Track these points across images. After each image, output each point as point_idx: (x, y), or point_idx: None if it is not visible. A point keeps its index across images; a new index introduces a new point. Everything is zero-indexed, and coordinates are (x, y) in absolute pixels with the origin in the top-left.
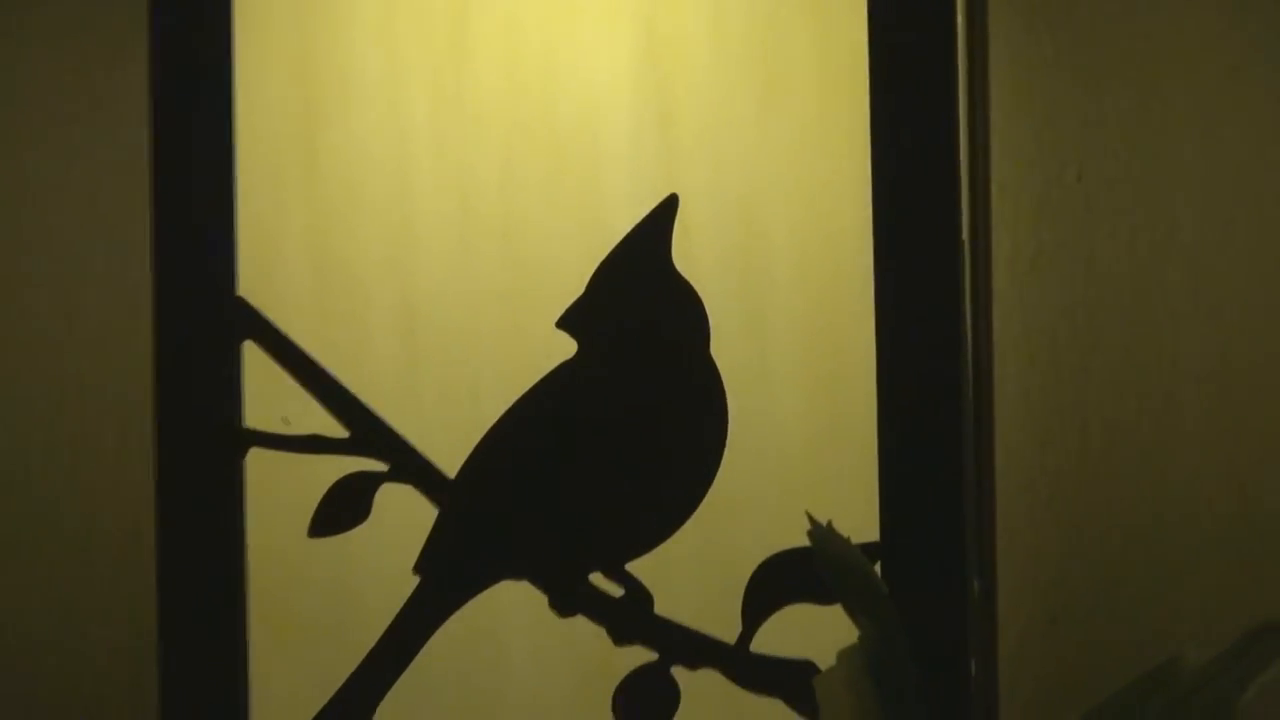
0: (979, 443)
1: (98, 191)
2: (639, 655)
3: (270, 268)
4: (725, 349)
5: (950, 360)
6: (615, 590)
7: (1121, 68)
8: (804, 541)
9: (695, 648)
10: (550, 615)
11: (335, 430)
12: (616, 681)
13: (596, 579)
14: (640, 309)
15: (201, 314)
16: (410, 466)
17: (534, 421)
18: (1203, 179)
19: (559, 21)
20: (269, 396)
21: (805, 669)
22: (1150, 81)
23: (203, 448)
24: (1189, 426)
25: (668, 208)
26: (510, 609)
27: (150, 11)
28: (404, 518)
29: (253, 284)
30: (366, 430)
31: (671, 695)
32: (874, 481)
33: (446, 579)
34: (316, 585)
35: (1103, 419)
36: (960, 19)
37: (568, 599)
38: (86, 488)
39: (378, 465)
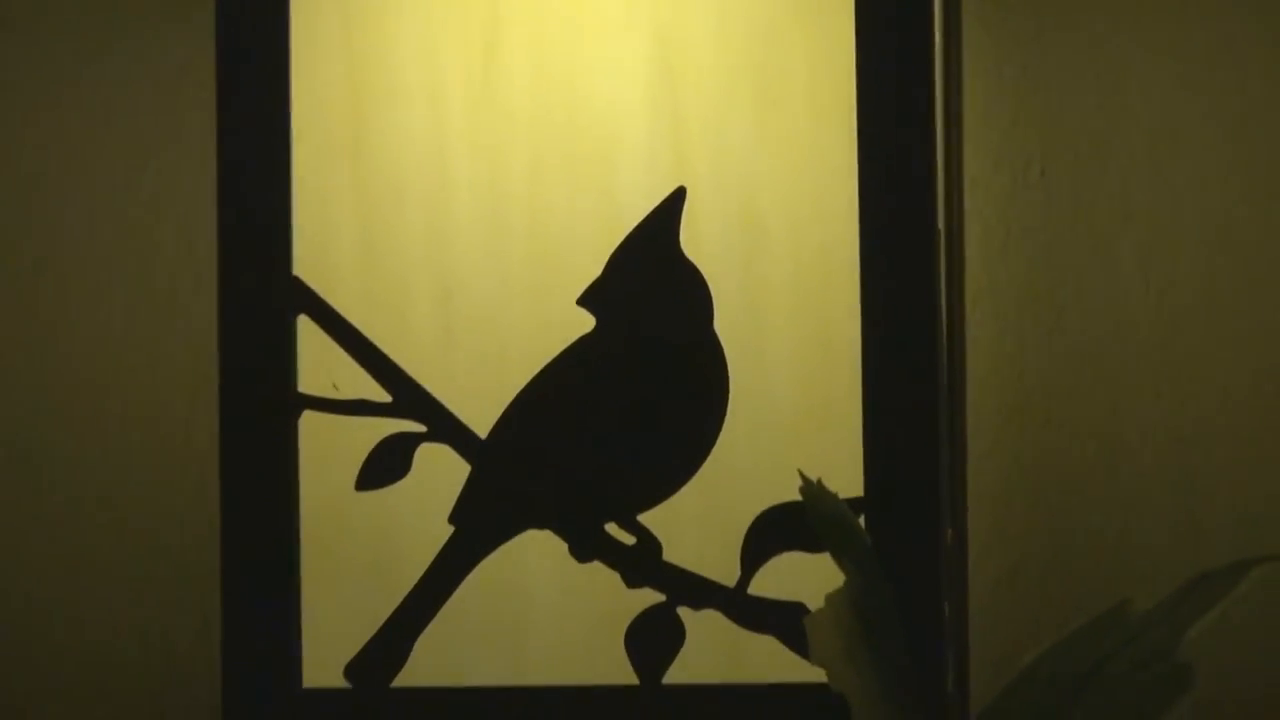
0: (952, 409)
1: (169, 185)
2: (649, 597)
3: (322, 251)
4: (727, 325)
5: (926, 334)
6: (628, 539)
7: (1079, 79)
8: (796, 497)
9: (699, 590)
10: (570, 561)
11: (379, 395)
12: (629, 620)
13: (611, 529)
14: (651, 289)
15: (260, 292)
16: (446, 428)
17: (556, 388)
18: (1150, 174)
19: (580, 32)
20: (320, 365)
21: (797, 610)
22: (1104, 91)
23: (261, 411)
24: (1138, 395)
25: (676, 199)
26: (534, 555)
27: (216, 20)
28: (440, 474)
29: (306, 265)
30: (407, 395)
31: (677, 633)
32: (859, 443)
33: (478, 528)
34: (362, 533)
35: (1062, 388)
36: (938, 36)
37: (585, 546)
38: (158, 446)
39: (417, 427)
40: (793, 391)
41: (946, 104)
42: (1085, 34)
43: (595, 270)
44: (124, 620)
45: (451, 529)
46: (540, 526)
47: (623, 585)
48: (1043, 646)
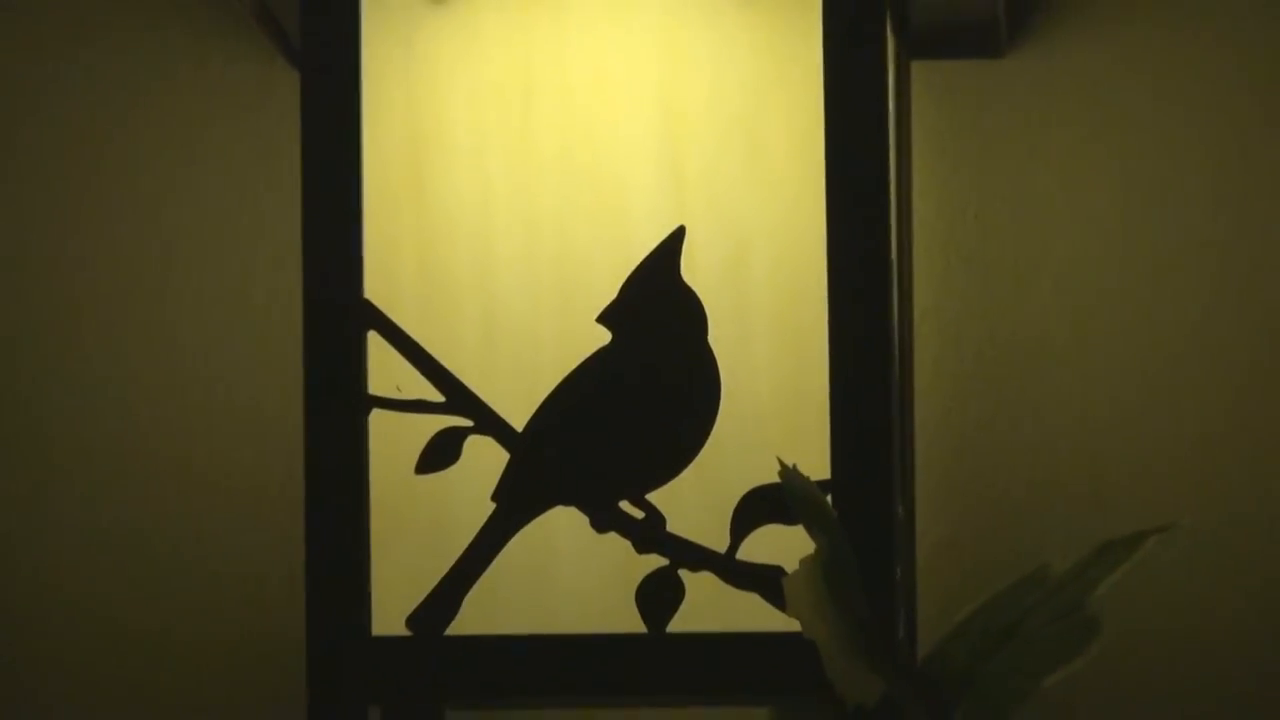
0: (903, 407)
1: (266, 226)
2: (655, 561)
3: (387, 279)
4: (718, 339)
5: (882, 346)
6: (638, 513)
7: (1006, 141)
8: (776, 479)
9: (696, 556)
10: (590, 531)
11: (434, 396)
12: (638, 579)
13: (624, 505)
14: (657, 309)
15: (337, 313)
16: (489, 423)
17: (579, 391)
18: (1065, 217)
19: (598, 97)
20: (386, 372)
21: (776, 572)
22: (1026, 149)
23: (338, 409)
24: (1055, 397)
25: (677, 236)
26: (561, 527)
27: (301, 94)
28: (484, 460)
29: (374, 291)
30: (457, 396)
31: (678, 590)
32: (826, 436)
33: (515, 505)
34: (420, 509)
35: (994, 389)
36: (892, 104)
37: (603, 520)
38: (257, 436)
39: (465, 422)
40: (772, 394)
41: (899, 159)
42: (1010, 103)
43: (611, 294)
44: (228, 576)
45: (493, 505)
46: (566, 503)
47: (633, 551)
48: (976, 602)
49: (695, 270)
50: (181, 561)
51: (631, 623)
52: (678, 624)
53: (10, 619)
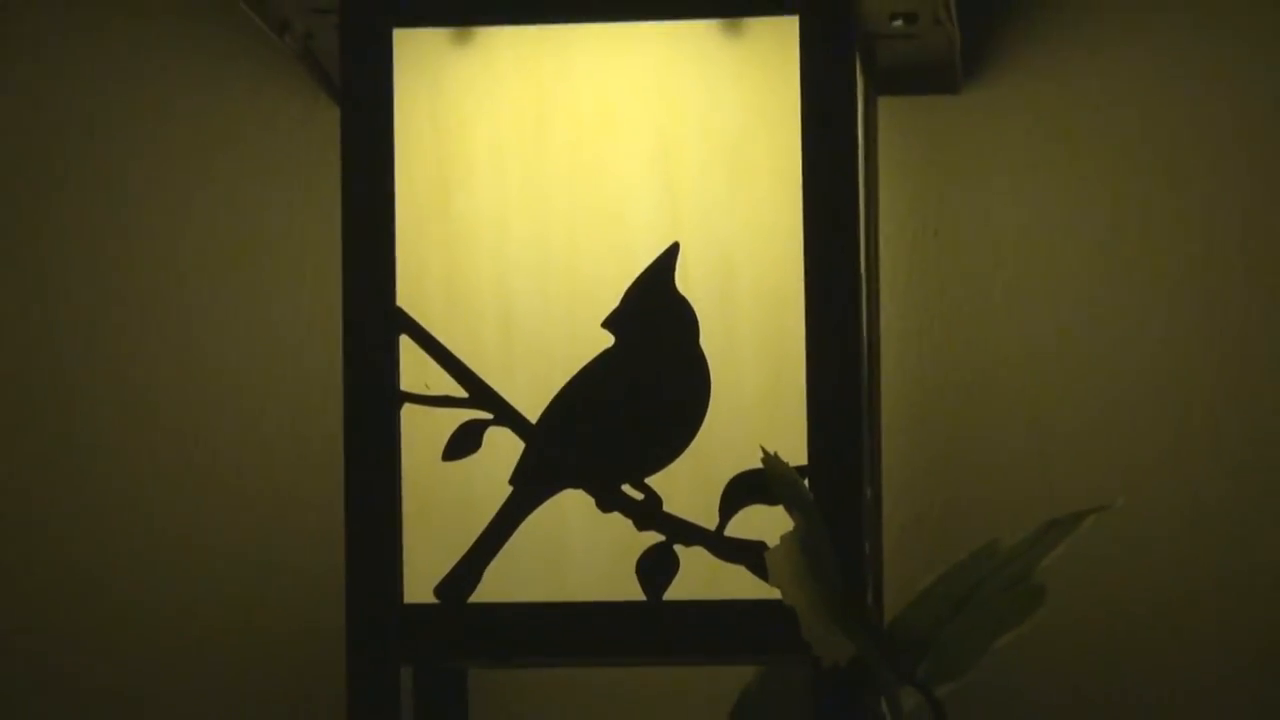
0: (871, 401)
1: (309, 240)
2: (653, 537)
3: (417, 289)
4: (707, 341)
5: (853, 348)
6: (638, 495)
7: (963, 163)
8: (759, 465)
9: (689, 532)
10: (596, 511)
11: (458, 392)
12: (638, 553)
13: (626, 488)
14: (654, 315)
15: (373, 318)
16: (507, 416)
17: (586, 387)
18: (1016, 233)
19: (603, 128)
20: (416, 371)
21: (760, 546)
22: (982, 172)
23: (374, 404)
24: (1007, 394)
25: (672, 251)
26: (571, 507)
27: (341, 124)
28: (503, 448)
29: (406, 299)
30: (478, 392)
31: (674, 563)
32: (804, 426)
33: (529, 488)
34: (447, 492)
35: (951, 385)
36: (861, 135)
37: (607, 501)
38: (303, 429)
39: (485, 415)
40: (756, 389)
41: (868, 182)
42: (966, 134)
43: (615, 301)
44: (278, 552)
45: (511, 488)
46: (575, 486)
47: (634, 528)
48: (935, 574)
49: (688, 281)
50: (229, 550)
51: (632, 591)
52: (673, 593)
53: (59, 612)
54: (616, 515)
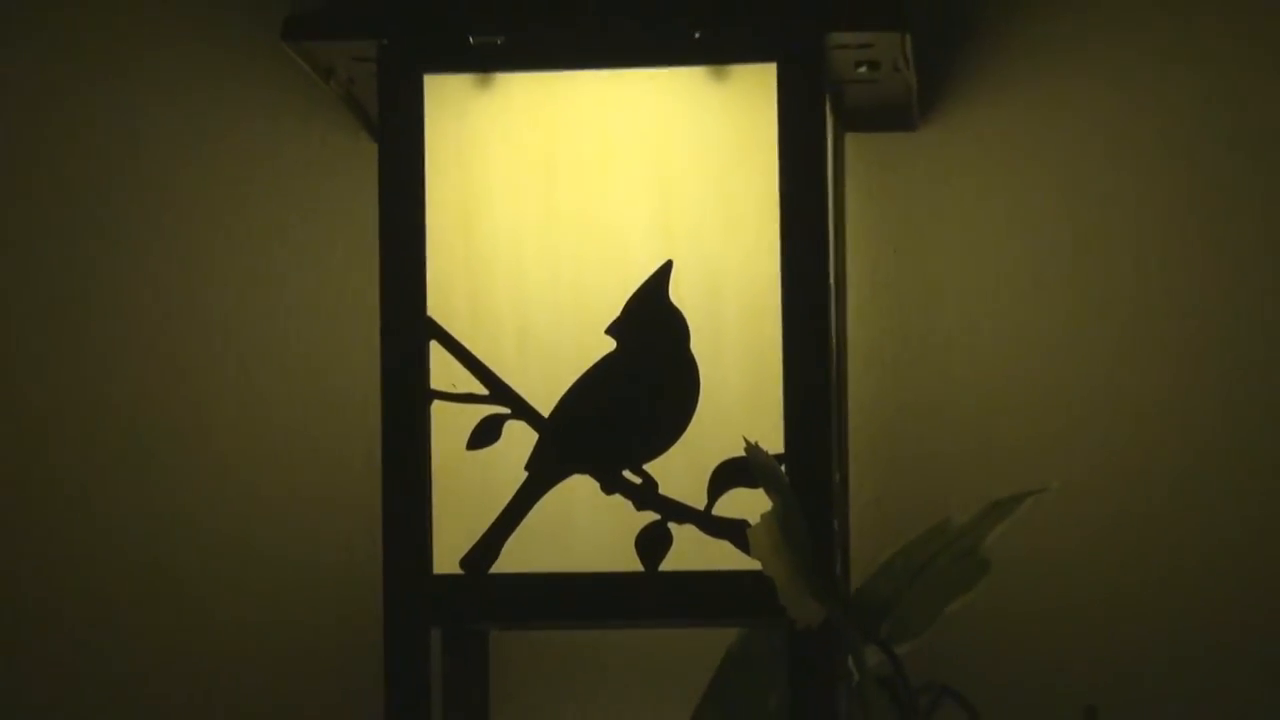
0: (839, 397)
1: (354, 260)
2: (649, 516)
3: (444, 302)
4: (698, 347)
5: (822, 351)
6: (636, 479)
7: (919, 190)
8: (742, 453)
9: (681, 512)
10: (599, 493)
11: (480, 390)
12: (637, 530)
13: (626, 473)
14: (650, 324)
15: (407, 326)
16: (523, 411)
17: (592, 386)
18: (964, 250)
19: (606, 165)
20: (444, 372)
21: (742, 524)
22: (935, 198)
23: (407, 401)
24: (957, 393)
25: (666, 267)
26: (578, 490)
27: (379, 162)
28: (519, 440)
29: (435, 310)
30: (498, 390)
31: (667, 539)
32: (780, 419)
33: (542, 473)
34: (470, 477)
35: (910, 385)
36: (830, 165)
37: (610, 484)
38: (347, 422)
39: (504, 410)
40: (739, 388)
41: (836, 207)
42: (921, 166)
43: (616, 311)
44: (324, 530)
45: (526, 474)
46: (581, 471)
47: (633, 508)
48: (895, 548)
49: (680, 294)
50: (279, 536)
51: (632, 563)
52: (667, 564)
53: (123, 608)
54: (618, 497)
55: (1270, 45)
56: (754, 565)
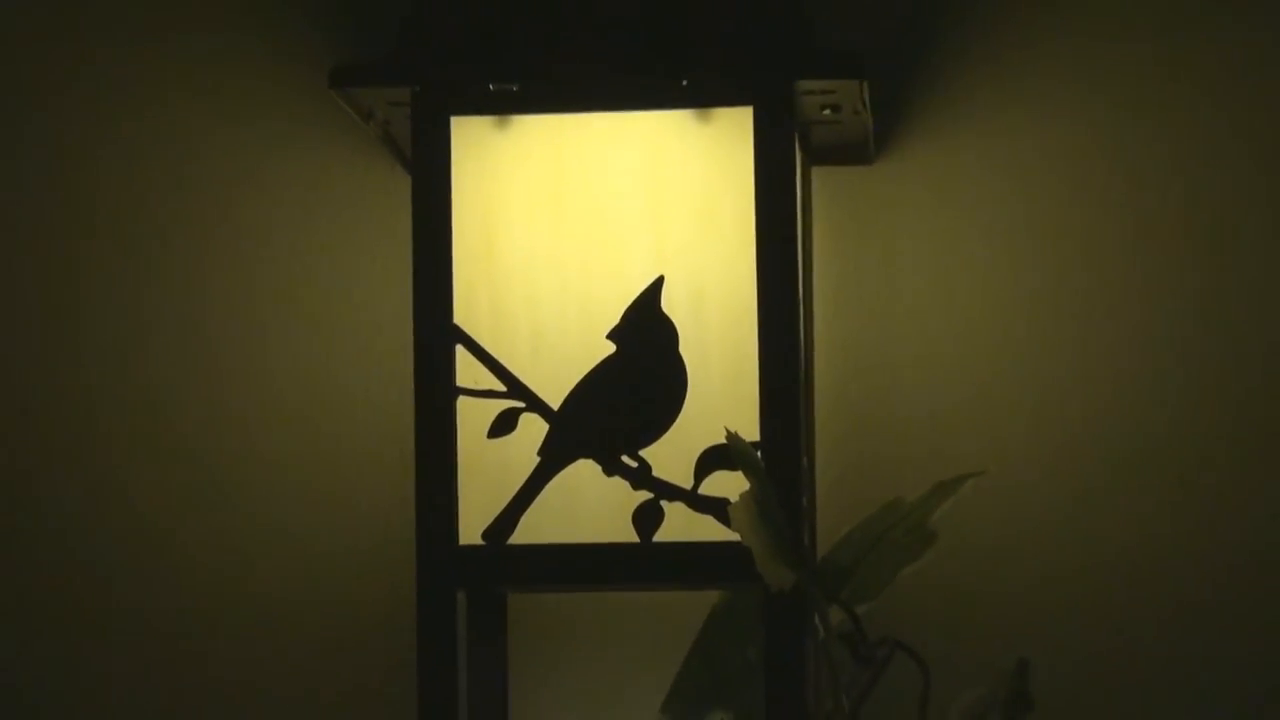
0: (807, 396)
1: (391, 274)
2: (644, 495)
3: (469, 312)
4: (685, 349)
5: (793, 354)
6: (633, 463)
7: (875, 215)
8: (724, 440)
9: (671, 491)
10: (601, 475)
11: (499, 387)
12: (633, 507)
13: (624, 458)
14: (645, 330)
15: (436, 333)
16: (536, 405)
17: (595, 384)
18: (913, 267)
19: (606, 191)
20: (468, 371)
21: (724, 501)
22: (889, 222)
23: (437, 397)
24: (908, 386)
25: (659, 282)
26: (584, 472)
27: (413, 196)
28: (532, 429)
29: (460, 318)
30: (514, 387)
31: (659, 514)
32: (756, 412)
33: (552, 458)
34: (490, 461)
35: (867, 383)
36: (799, 194)
37: (610, 467)
38: (385, 415)
39: (519, 404)
40: (721, 385)
41: (804, 231)
42: (877, 194)
43: (615, 319)
44: (366, 505)
45: (538, 459)
46: (586, 456)
47: (630, 488)
48: (854, 522)
49: (670, 304)
50: (327, 521)
51: (629, 535)
52: (659, 536)
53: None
54: (617, 478)
55: (1208, 87)
56: (734, 537)
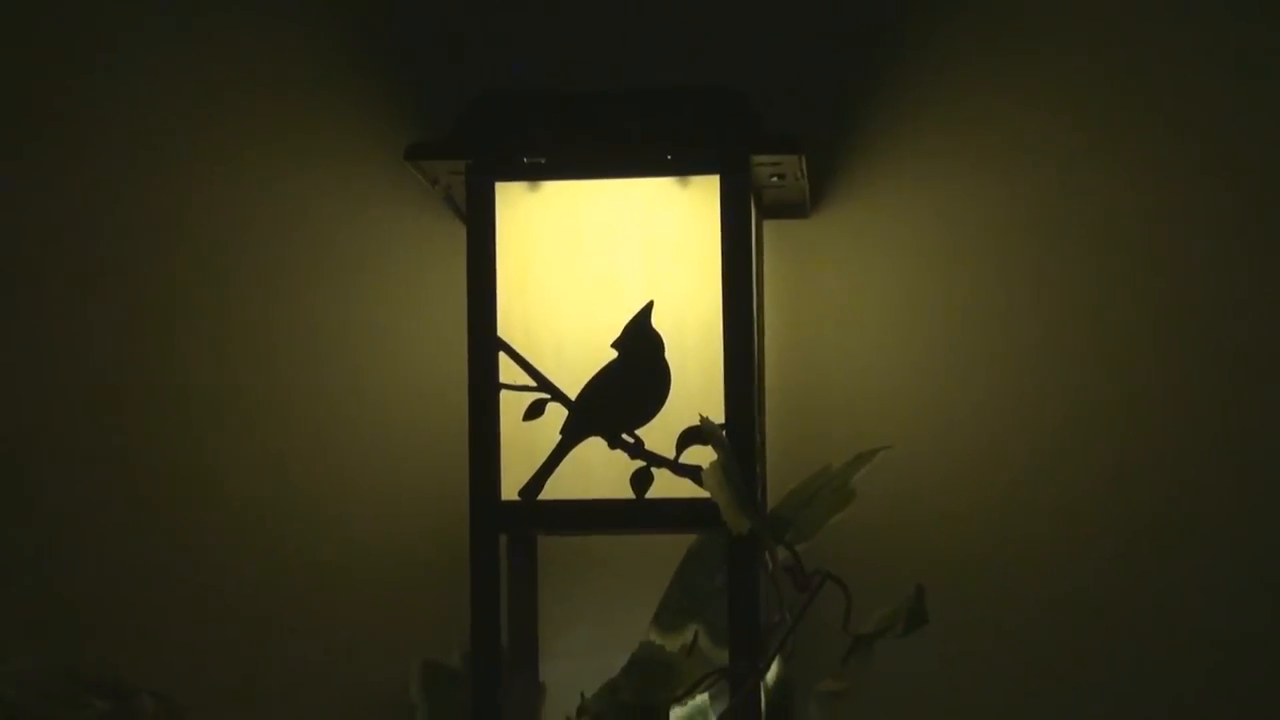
0: (760, 392)
1: (448, 306)
2: (639, 463)
3: (509, 326)
4: (670, 357)
5: (749, 361)
6: (630, 440)
7: (813, 259)
8: (698, 423)
9: (658, 460)
10: (607, 449)
11: (530, 383)
12: (629, 471)
13: (624, 436)
14: (639, 341)
15: (485, 344)
16: (559, 397)
17: (601, 383)
18: (848, 301)
19: (613, 243)
20: (508, 371)
21: (698, 468)
22: (826, 264)
23: (485, 391)
24: (832, 388)
25: (649, 306)
26: (594, 448)
27: (467, 263)
28: (556, 415)
29: (503, 332)
30: (543, 384)
31: (649, 477)
32: (722, 403)
33: (571, 435)
34: (524, 438)
35: (805, 386)
36: (754, 243)
37: (614, 442)
38: (444, 405)
39: (546, 395)
40: (695, 384)
41: (758, 271)
42: (814, 243)
43: (618, 332)
44: (429, 479)
45: (559, 436)
46: (595, 434)
47: (628, 458)
48: (796, 483)
49: (658, 322)
50: (403, 487)
51: (628, 493)
52: (651, 494)
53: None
54: (619, 451)
55: (1114, 138)
56: (706, 495)
